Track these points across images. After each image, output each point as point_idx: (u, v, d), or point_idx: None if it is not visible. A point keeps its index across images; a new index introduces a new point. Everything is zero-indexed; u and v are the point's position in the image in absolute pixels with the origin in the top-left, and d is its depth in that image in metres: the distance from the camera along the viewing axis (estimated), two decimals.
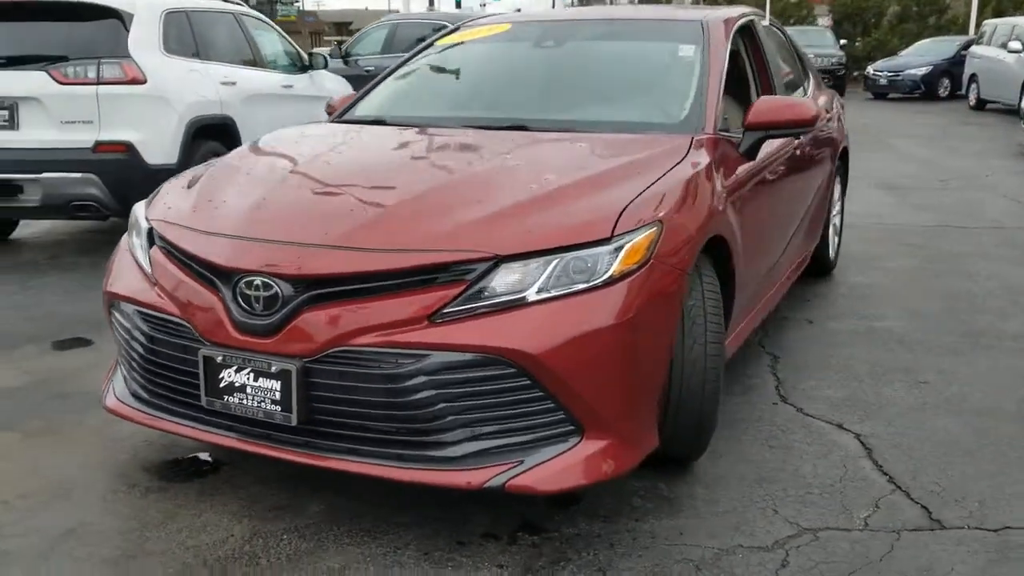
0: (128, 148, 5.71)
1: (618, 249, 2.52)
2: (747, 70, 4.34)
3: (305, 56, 8.25)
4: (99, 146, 5.67)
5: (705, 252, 2.95)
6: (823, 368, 3.99)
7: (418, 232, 2.53)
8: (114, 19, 5.90)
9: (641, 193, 2.72)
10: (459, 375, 2.39)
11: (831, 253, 5.56)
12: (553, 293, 2.45)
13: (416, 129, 3.58)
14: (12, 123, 5.72)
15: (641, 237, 2.58)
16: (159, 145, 5.87)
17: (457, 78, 4.12)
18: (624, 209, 2.61)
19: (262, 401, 2.53)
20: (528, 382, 2.40)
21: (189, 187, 3.11)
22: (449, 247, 2.47)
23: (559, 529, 2.66)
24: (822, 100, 5.28)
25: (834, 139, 5.21)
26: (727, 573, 2.44)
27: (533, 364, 2.38)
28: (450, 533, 2.63)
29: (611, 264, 2.50)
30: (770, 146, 3.72)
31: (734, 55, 3.96)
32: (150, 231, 2.92)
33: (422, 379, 2.39)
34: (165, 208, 2.98)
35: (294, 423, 2.50)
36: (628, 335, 2.48)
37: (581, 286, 2.47)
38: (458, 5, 36.90)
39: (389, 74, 4.24)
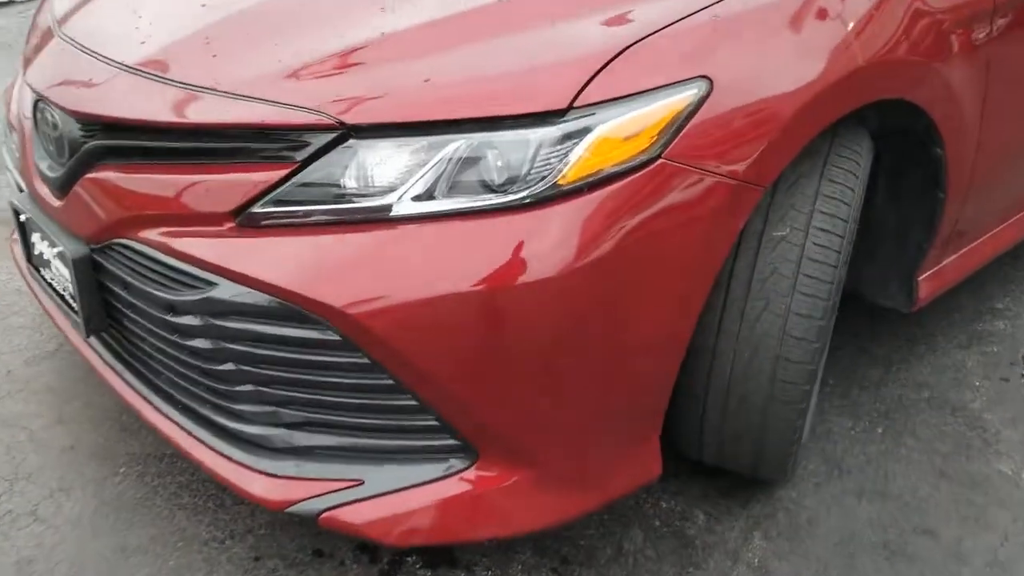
0: None
1: (580, 134, 1.28)
2: None
3: None
4: None
5: (854, 131, 1.58)
6: None
7: (251, 66, 1.43)
8: None
9: (676, 22, 1.36)
10: (251, 327, 1.36)
11: None
12: (440, 205, 1.30)
13: None
14: None
15: (645, 111, 1.29)
16: None
17: None
18: (617, 55, 1.30)
19: (64, 288, 1.71)
20: (367, 361, 1.34)
21: None
22: (272, 98, 1.37)
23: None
24: None
25: None
26: None
27: (359, 333, 1.29)
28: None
29: (563, 161, 1.28)
30: None
31: None
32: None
33: (196, 320, 1.41)
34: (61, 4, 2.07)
35: (83, 332, 1.66)
36: (579, 301, 1.29)
37: (493, 199, 1.29)
38: None
39: None
